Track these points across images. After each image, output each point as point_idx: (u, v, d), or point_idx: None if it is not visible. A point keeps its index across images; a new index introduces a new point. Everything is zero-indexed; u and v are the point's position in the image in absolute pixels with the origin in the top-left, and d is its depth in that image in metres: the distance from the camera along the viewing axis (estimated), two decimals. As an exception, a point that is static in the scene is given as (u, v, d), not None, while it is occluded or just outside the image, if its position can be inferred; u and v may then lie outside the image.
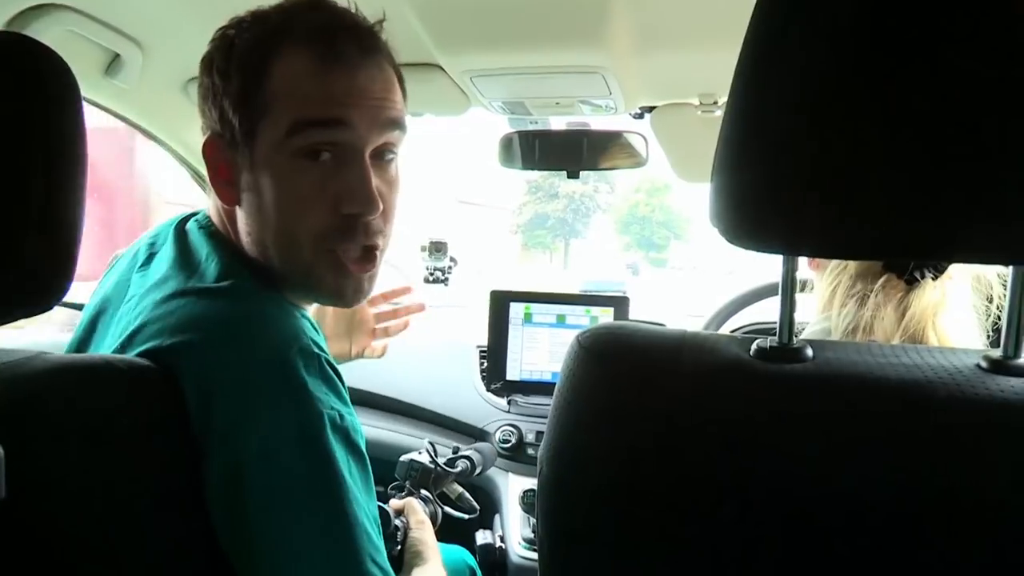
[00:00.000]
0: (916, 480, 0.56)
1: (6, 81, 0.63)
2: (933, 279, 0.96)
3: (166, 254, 0.97)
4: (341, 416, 0.85)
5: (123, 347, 0.87)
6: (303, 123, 0.89)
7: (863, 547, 0.56)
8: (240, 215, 0.96)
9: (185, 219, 1.03)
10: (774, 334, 0.65)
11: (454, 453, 1.76)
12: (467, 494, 1.71)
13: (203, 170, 1.96)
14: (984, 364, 0.60)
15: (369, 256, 0.98)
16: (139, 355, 0.83)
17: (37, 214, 0.62)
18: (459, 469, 1.71)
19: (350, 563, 0.82)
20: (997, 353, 0.60)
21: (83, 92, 0.68)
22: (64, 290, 0.66)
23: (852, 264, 0.99)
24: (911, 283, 0.96)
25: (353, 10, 0.95)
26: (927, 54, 0.49)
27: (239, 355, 0.82)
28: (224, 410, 0.80)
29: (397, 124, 0.96)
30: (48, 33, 1.29)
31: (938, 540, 0.55)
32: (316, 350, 0.86)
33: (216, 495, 0.81)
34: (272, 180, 0.91)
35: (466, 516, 1.69)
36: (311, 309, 1.04)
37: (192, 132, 1.87)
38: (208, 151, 0.96)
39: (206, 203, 1.04)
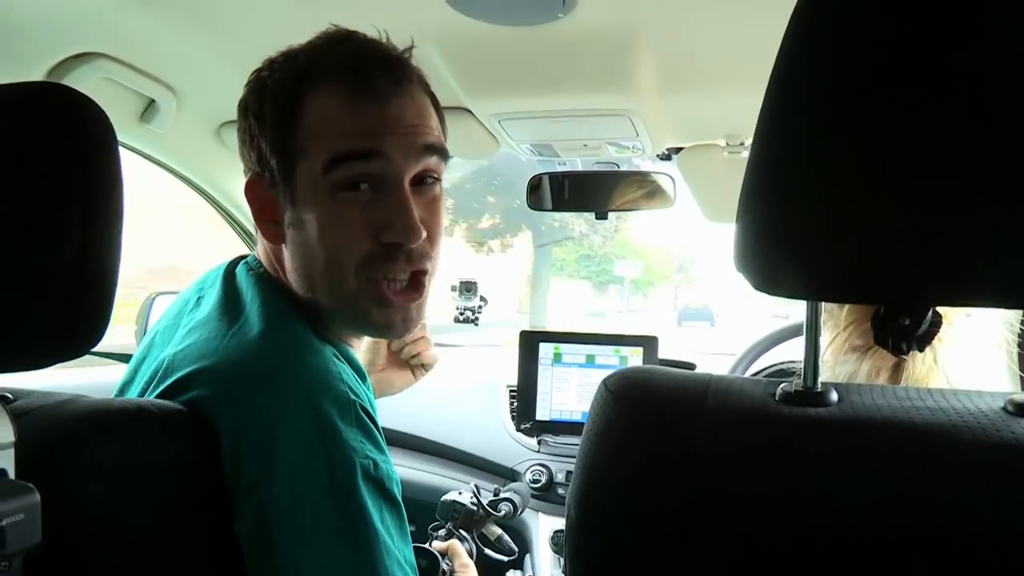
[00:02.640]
0: (940, 525, 0.55)
1: (47, 130, 0.64)
2: (920, 351, 0.95)
3: (211, 298, 0.97)
4: (375, 464, 0.84)
5: (157, 386, 0.88)
6: (339, 158, 0.89)
7: None
8: (286, 253, 0.96)
9: (235, 262, 1.03)
10: (796, 374, 0.64)
11: (495, 495, 1.76)
12: (506, 536, 1.70)
13: (236, 213, 2.01)
14: (1010, 408, 0.59)
15: (416, 283, 0.97)
16: (176, 400, 0.84)
17: (74, 259, 0.63)
18: (502, 512, 1.71)
19: None
20: (1022, 396, 0.59)
21: (120, 138, 0.70)
22: (99, 336, 0.67)
23: (850, 322, 0.98)
24: (898, 355, 0.95)
25: (383, 39, 0.95)
26: (955, 94, 0.49)
27: (272, 402, 0.82)
28: (255, 456, 0.80)
29: (434, 150, 0.95)
30: (86, 81, 1.33)
31: None
32: (352, 397, 0.86)
33: (247, 541, 0.81)
34: (314, 216, 0.91)
35: (505, 559, 1.68)
36: (362, 344, 1.03)
37: (225, 175, 1.91)
38: (250, 192, 0.97)
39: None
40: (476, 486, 1.69)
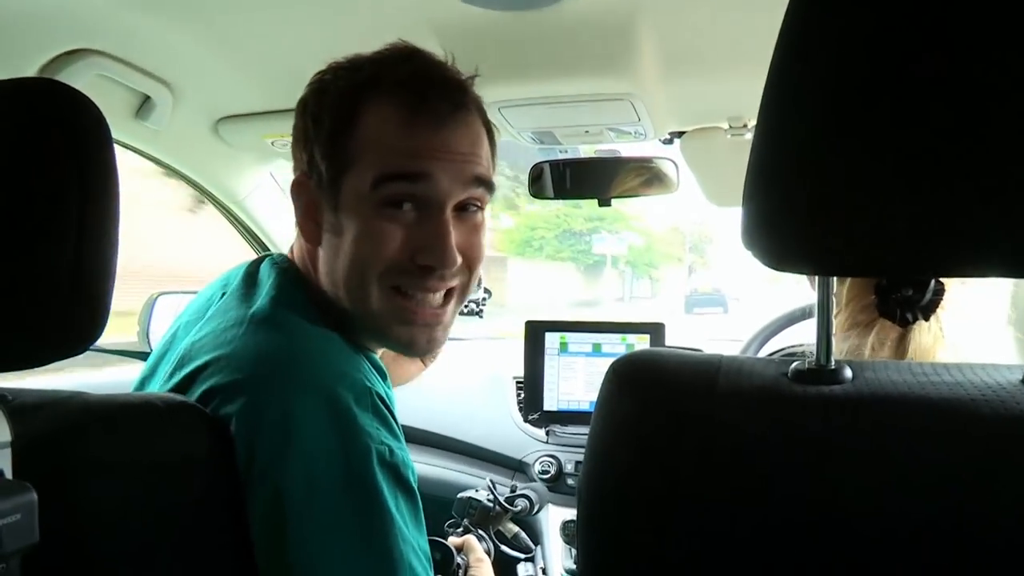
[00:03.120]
0: (961, 499, 0.54)
1: (40, 126, 0.64)
2: (925, 320, 0.95)
3: (234, 294, 0.98)
4: (391, 451, 0.84)
5: (175, 375, 0.89)
6: (388, 176, 0.90)
7: (910, 569, 0.55)
8: (321, 255, 0.98)
9: (260, 259, 1.04)
10: (809, 356, 0.64)
11: (512, 492, 1.76)
12: (523, 534, 1.70)
13: (235, 209, 2.01)
14: None
15: (445, 300, 0.98)
16: (192, 389, 0.85)
17: (70, 257, 0.63)
18: (519, 508, 1.70)
19: None
20: None
21: (114, 135, 0.69)
22: (97, 334, 0.67)
23: (851, 298, 0.98)
24: (904, 325, 0.95)
25: (448, 63, 0.97)
26: (957, 69, 0.49)
27: (287, 388, 0.82)
28: (270, 442, 0.80)
29: (482, 182, 0.96)
30: (80, 78, 1.32)
31: (982, 560, 0.53)
32: (367, 384, 0.86)
33: (259, 527, 0.80)
34: (354, 225, 0.92)
35: (522, 556, 1.68)
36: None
37: (223, 171, 1.91)
38: (297, 191, 0.98)
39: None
40: (492, 482, 1.69)
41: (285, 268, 0.99)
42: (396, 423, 0.88)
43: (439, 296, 0.97)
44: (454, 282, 0.97)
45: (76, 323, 0.65)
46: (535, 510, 1.78)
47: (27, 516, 0.57)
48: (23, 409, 0.70)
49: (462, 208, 0.96)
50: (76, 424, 0.71)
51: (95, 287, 0.66)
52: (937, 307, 0.94)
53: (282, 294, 0.93)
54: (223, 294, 1.01)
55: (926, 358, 0.94)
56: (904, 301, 0.94)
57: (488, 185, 0.98)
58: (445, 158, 0.92)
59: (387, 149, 0.91)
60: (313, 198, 0.96)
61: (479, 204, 0.98)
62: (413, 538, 0.85)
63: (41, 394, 0.74)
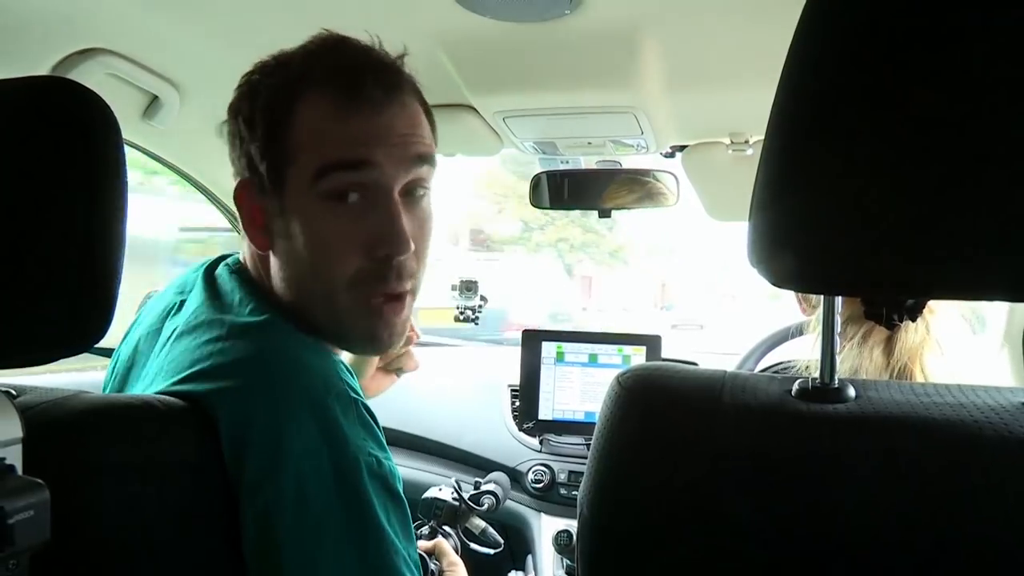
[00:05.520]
0: (961, 522, 0.54)
1: (51, 124, 0.64)
2: (912, 321, 0.96)
3: (195, 299, 0.96)
4: (379, 462, 0.84)
5: (153, 388, 0.87)
6: (329, 166, 0.89)
7: None
8: (273, 260, 0.96)
9: (213, 264, 1.02)
10: (800, 373, 0.64)
11: (476, 488, 1.75)
12: (491, 528, 1.69)
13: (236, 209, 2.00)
14: None
15: (401, 299, 0.96)
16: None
17: (78, 255, 0.63)
18: (485, 507, 1.70)
19: None
20: None
21: (123, 135, 0.69)
22: (103, 332, 0.67)
23: (841, 310, 0.99)
24: (892, 327, 0.96)
25: (376, 46, 0.94)
26: (968, 89, 0.49)
27: (274, 402, 0.82)
28: (258, 456, 0.79)
29: (424, 159, 0.94)
30: (91, 77, 1.32)
31: None
32: (352, 395, 0.85)
33: (250, 538, 0.80)
34: (303, 225, 0.91)
35: (491, 551, 1.67)
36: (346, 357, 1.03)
37: (226, 173, 1.87)
38: (240, 197, 0.96)
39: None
40: (457, 481, 1.68)
41: (246, 277, 0.98)
42: (380, 431, 0.88)
43: (401, 286, 0.95)
44: (407, 286, 0.96)
45: (83, 320, 0.65)
46: (501, 504, 1.77)
47: (40, 513, 0.58)
48: (30, 406, 0.70)
49: (409, 193, 0.95)
50: (78, 423, 0.71)
51: (102, 285, 0.66)
52: (923, 308, 0.96)
53: (255, 305, 0.91)
54: (181, 301, 1.00)
55: (913, 358, 0.95)
56: (891, 304, 0.95)
57: (432, 161, 0.96)
58: (385, 142, 0.91)
59: (326, 140, 0.89)
60: (257, 203, 0.94)
61: (425, 185, 0.97)
62: (403, 547, 0.84)
63: (46, 392, 0.75)
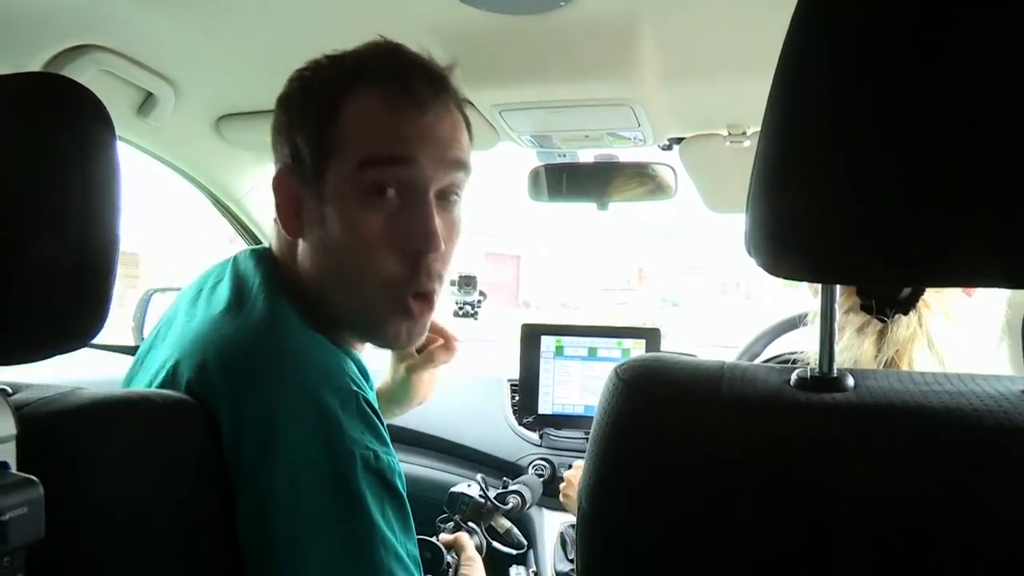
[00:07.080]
0: (962, 510, 0.54)
1: (44, 121, 0.64)
2: (904, 314, 0.96)
3: (218, 289, 0.98)
4: (376, 456, 0.84)
5: (161, 375, 0.89)
6: (372, 160, 0.91)
7: None
8: (302, 247, 0.98)
9: (243, 254, 1.04)
10: (804, 363, 0.64)
11: (503, 488, 1.75)
12: (515, 529, 1.70)
13: (234, 207, 2.00)
14: None
15: (430, 298, 0.99)
16: (180, 389, 0.85)
17: (72, 251, 0.63)
18: (510, 506, 1.70)
19: None
20: None
21: (117, 131, 0.69)
22: (97, 329, 0.66)
23: (841, 299, 0.99)
24: (883, 320, 0.96)
25: (426, 56, 0.97)
26: (966, 79, 0.49)
27: (273, 391, 0.82)
28: (256, 444, 0.80)
29: (462, 166, 0.97)
30: (84, 73, 1.32)
31: (986, 570, 0.54)
32: (354, 389, 0.86)
33: (245, 533, 0.80)
34: (338, 214, 0.93)
35: (513, 552, 1.68)
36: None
37: (223, 169, 1.91)
38: (278, 184, 0.98)
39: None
40: (483, 478, 1.69)
41: (270, 266, 0.99)
42: (383, 426, 0.89)
43: (431, 284, 0.97)
44: (434, 285, 0.98)
45: (77, 317, 0.65)
46: (527, 506, 1.78)
47: (33, 510, 0.58)
48: (25, 403, 0.70)
49: (443, 197, 0.97)
50: (79, 419, 0.71)
51: (97, 282, 0.65)
52: (916, 301, 0.96)
53: (272, 292, 0.93)
54: (200, 289, 1.01)
55: (901, 351, 0.95)
56: (883, 296, 0.95)
57: (467, 168, 0.99)
58: (428, 142, 0.94)
59: (373, 134, 0.92)
60: (296, 190, 0.96)
61: (459, 192, 1.00)
62: (399, 543, 0.85)
63: (42, 388, 0.74)
